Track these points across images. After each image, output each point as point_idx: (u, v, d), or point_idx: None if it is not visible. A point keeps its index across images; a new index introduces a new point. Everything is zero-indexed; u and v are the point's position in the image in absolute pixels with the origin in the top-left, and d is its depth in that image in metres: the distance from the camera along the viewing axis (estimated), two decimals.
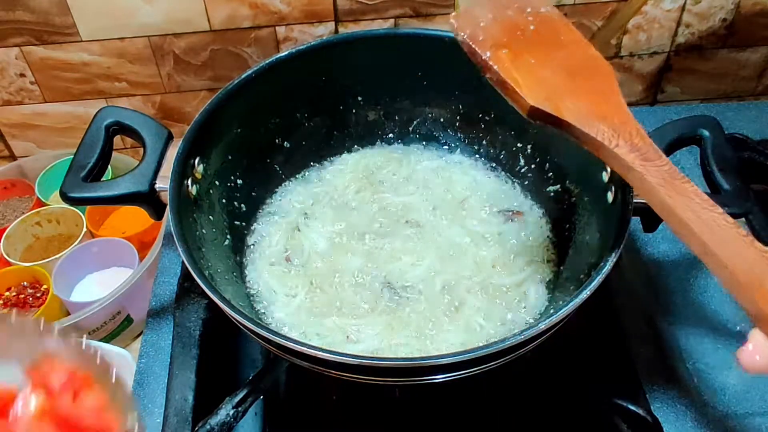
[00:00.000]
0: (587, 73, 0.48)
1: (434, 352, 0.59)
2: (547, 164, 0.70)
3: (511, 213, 0.71)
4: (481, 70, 0.49)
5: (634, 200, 0.54)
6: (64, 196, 0.57)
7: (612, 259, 0.51)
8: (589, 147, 0.46)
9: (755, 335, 0.35)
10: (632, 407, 0.59)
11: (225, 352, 0.68)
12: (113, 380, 0.42)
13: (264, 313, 0.64)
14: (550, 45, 0.49)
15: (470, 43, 0.48)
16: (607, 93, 0.47)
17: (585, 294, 0.49)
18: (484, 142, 0.75)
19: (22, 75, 0.89)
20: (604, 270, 0.50)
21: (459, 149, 0.77)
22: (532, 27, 0.49)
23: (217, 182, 0.65)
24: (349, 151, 0.77)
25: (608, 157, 0.45)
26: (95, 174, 0.59)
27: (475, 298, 0.63)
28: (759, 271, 0.36)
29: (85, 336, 0.41)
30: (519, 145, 0.73)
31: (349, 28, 0.89)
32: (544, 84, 0.46)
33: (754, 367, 0.35)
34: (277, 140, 0.72)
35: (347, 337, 0.61)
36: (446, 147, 0.77)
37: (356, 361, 0.47)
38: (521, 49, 0.48)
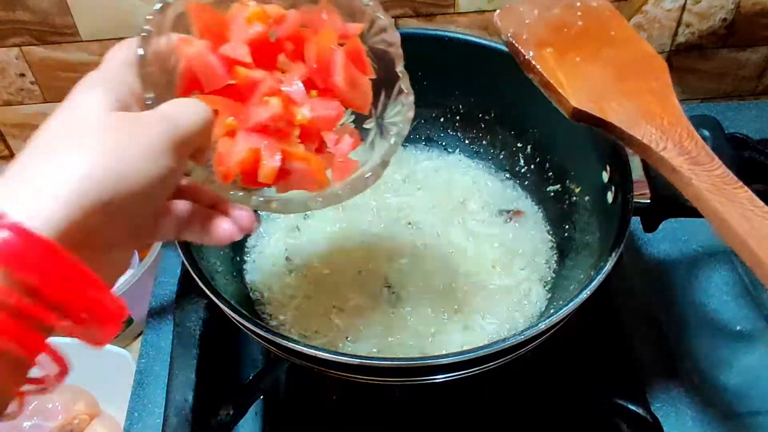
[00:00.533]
0: (638, 71, 0.46)
1: (434, 353, 0.59)
2: (547, 164, 0.70)
3: (511, 213, 0.71)
4: (524, 70, 0.48)
5: (635, 200, 0.54)
6: None
7: (612, 259, 0.51)
8: (635, 149, 0.44)
9: None
10: (632, 407, 0.59)
11: (225, 352, 0.68)
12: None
13: (264, 312, 0.64)
14: (600, 41, 0.47)
15: (514, 42, 0.47)
16: (658, 92, 0.45)
17: (585, 294, 0.49)
18: (484, 142, 0.75)
19: (22, 75, 0.89)
20: (604, 270, 0.50)
21: (459, 149, 0.77)
22: (580, 23, 0.48)
23: None
24: None
25: (655, 161, 0.43)
26: None
27: (475, 298, 0.63)
28: None
29: None
30: (519, 145, 0.73)
31: None
32: (590, 84, 0.45)
33: None
34: None
35: (347, 337, 0.61)
36: (446, 147, 0.77)
37: (356, 361, 0.47)
38: (567, 47, 0.46)
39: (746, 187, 0.39)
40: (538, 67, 0.46)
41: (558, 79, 0.45)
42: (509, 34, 0.47)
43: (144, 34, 0.38)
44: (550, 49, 0.46)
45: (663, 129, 0.43)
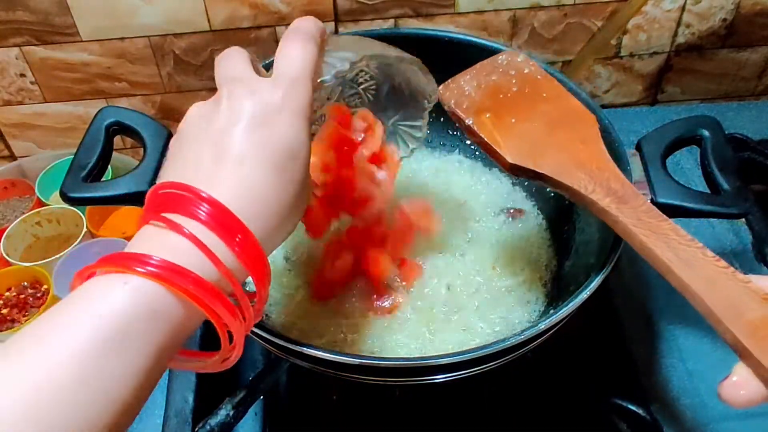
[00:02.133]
0: (568, 124, 0.51)
1: (434, 353, 0.59)
2: None
3: (512, 211, 0.71)
4: (466, 134, 0.53)
5: None
6: (64, 196, 0.57)
7: (612, 260, 0.51)
8: (568, 195, 0.48)
9: (739, 369, 0.34)
10: (632, 407, 0.59)
11: None
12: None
13: (266, 311, 0.64)
14: (533, 101, 0.52)
15: (455, 110, 0.52)
16: (587, 140, 0.50)
17: (585, 294, 0.49)
18: None
19: (22, 75, 0.89)
20: (604, 270, 0.50)
21: (459, 150, 0.77)
22: (514, 88, 0.53)
23: None
24: None
25: (586, 203, 0.47)
26: (95, 174, 0.59)
27: (475, 298, 0.63)
28: (739, 303, 0.36)
29: None
30: None
31: (349, 29, 0.89)
32: (525, 141, 0.50)
33: (738, 401, 0.34)
34: None
35: (347, 337, 0.61)
36: (446, 147, 0.77)
37: (356, 361, 0.47)
38: (503, 111, 0.52)
39: (670, 220, 0.43)
40: (477, 131, 0.51)
41: (496, 140, 0.50)
42: (451, 104, 0.52)
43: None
44: (488, 114, 0.51)
45: (592, 174, 0.47)
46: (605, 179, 0.47)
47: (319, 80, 0.44)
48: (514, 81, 0.54)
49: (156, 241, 0.35)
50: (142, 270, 0.33)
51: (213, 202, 0.36)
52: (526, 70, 0.54)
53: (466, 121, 0.51)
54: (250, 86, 0.40)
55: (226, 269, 0.36)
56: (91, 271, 0.34)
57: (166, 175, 0.39)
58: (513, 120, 0.51)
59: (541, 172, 0.48)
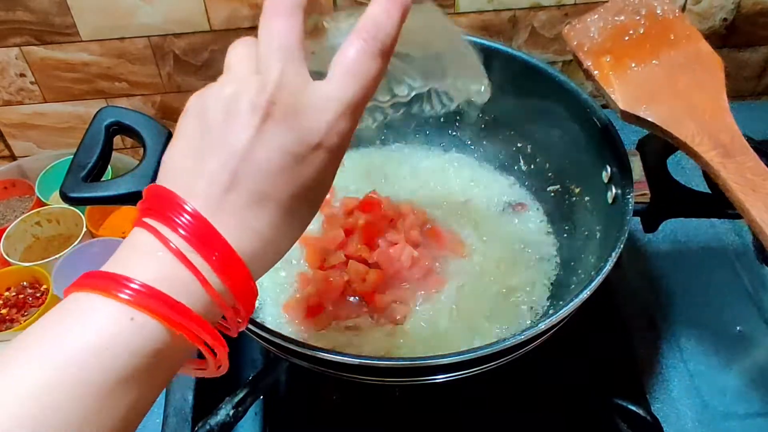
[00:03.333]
0: (690, 69, 0.50)
1: (435, 353, 0.59)
2: (547, 164, 0.70)
3: (515, 205, 0.70)
4: (585, 76, 0.52)
5: (635, 200, 0.54)
6: (64, 196, 0.57)
7: (612, 259, 0.51)
8: (676, 144, 0.48)
9: None
10: (632, 407, 0.59)
11: None
12: None
13: (262, 309, 0.64)
14: (658, 44, 0.51)
15: (576, 52, 0.52)
16: (707, 87, 0.49)
17: (585, 294, 0.49)
18: (484, 141, 0.75)
19: (22, 75, 0.89)
20: (604, 270, 0.50)
21: (459, 149, 0.77)
22: (641, 30, 0.52)
23: None
24: (350, 150, 0.76)
25: (691, 154, 0.46)
26: (95, 174, 0.59)
27: (476, 298, 0.63)
28: None
29: None
30: (519, 145, 0.73)
31: None
32: (640, 86, 0.49)
33: None
34: None
35: (346, 337, 0.60)
36: (447, 147, 0.77)
37: (356, 361, 0.47)
38: (625, 54, 0.51)
39: None
40: (594, 73, 0.50)
41: (611, 85, 0.50)
42: (573, 45, 0.52)
43: None
44: (608, 57, 0.51)
45: (702, 123, 0.46)
46: (715, 130, 0.45)
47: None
48: (642, 22, 0.52)
49: (142, 257, 0.32)
50: (124, 296, 0.30)
51: (223, 246, 0.32)
52: (658, 10, 0.52)
53: (584, 64, 0.51)
54: (302, 100, 0.32)
55: (214, 292, 0.32)
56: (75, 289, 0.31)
57: (166, 168, 0.35)
58: (633, 64, 0.50)
59: (651, 120, 0.48)
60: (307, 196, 0.34)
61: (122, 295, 0.30)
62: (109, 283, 0.30)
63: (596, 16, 0.53)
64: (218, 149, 0.32)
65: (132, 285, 0.30)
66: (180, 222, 0.32)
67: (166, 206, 0.32)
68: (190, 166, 0.33)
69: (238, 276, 0.33)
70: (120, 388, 0.30)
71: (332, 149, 0.34)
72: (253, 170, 0.32)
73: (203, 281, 0.31)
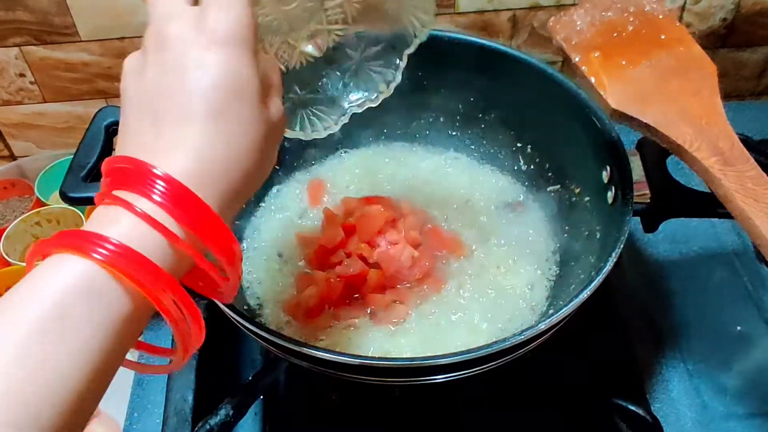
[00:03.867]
0: (683, 72, 0.48)
1: (435, 353, 0.59)
2: (547, 164, 0.70)
3: (513, 204, 0.70)
4: (572, 73, 0.50)
5: (635, 200, 0.54)
6: (64, 196, 0.57)
7: (612, 259, 0.51)
8: (671, 149, 0.46)
9: None
10: (632, 407, 0.59)
11: (225, 352, 0.68)
12: None
13: (260, 309, 0.64)
14: (648, 44, 0.49)
15: (563, 46, 0.50)
16: (701, 92, 0.47)
17: (585, 294, 0.49)
18: (484, 141, 0.75)
19: (21, 75, 0.89)
20: (604, 270, 0.50)
21: (459, 149, 0.77)
22: (630, 27, 0.50)
23: None
24: (349, 150, 0.77)
25: (689, 160, 0.44)
26: (95, 174, 0.59)
27: (477, 298, 0.63)
28: None
29: None
30: (519, 144, 0.73)
31: None
32: (632, 86, 0.47)
33: None
34: None
35: (346, 336, 0.60)
36: (447, 147, 0.77)
37: (356, 362, 0.47)
38: (614, 51, 0.49)
39: None
40: (583, 69, 0.48)
41: (601, 82, 0.47)
42: (560, 38, 0.50)
43: None
44: (597, 53, 0.49)
45: (700, 129, 0.44)
46: (713, 136, 0.43)
47: None
48: (631, 19, 0.50)
49: (111, 220, 0.33)
50: (97, 256, 0.31)
51: (168, 179, 0.32)
52: (647, 8, 0.50)
53: (573, 59, 0.49)
54: (178, 22, 0.34)
55: (185, 243, 0.32)
56: (47, 249, 0.32)
57: (118, 144, 0.36)
58: (623, 62, 0.48)
59: (644, 121, 0.46)
60: (227, 94, 0.34)
61: (94, 254, 0.31)
62: (80, 242, 0.32)
63: (582, 11, 0.51)
64: (138, 101, 0.35)
65: (91, 239, 0.31)
66: (147, 186, 0.32)
67: (129, 173, 0.34)
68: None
69: (194, 211, 0.33)
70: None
71: (227, 40, 0.34)
72: (163, 96, 0.34)
73: (155, 225, 0.32)
